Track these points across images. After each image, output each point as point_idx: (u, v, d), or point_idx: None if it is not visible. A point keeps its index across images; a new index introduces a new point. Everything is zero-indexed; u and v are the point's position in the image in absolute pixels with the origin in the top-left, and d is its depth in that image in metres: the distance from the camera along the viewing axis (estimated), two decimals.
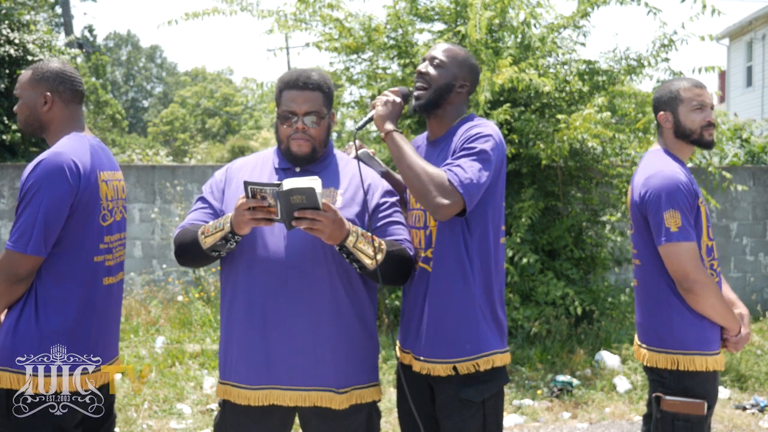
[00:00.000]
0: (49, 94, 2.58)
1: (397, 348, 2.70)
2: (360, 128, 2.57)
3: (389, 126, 2.50)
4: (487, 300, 2.50)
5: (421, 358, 2.51)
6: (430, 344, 2.49)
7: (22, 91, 2.61)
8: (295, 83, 2.46)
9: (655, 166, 2.72)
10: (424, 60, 2.64)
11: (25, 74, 2.63)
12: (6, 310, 2.50)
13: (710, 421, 2.73)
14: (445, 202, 2.34)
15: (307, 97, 2.45)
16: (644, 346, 2.78)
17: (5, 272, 2.41)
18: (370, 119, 2.57)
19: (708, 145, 2.81)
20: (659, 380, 2.71)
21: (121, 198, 2.69)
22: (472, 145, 2.44)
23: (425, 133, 2.75)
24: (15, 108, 2.65)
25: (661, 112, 2.82)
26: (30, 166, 2.45)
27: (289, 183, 2.17)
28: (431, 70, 2.57)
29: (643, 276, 2.78)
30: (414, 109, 2.62)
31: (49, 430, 2.44)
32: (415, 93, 2.60)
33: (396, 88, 2.63)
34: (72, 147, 2.51)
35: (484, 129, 2.48)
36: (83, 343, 2.49)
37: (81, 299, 2.49)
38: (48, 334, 2.43)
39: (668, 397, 2.63)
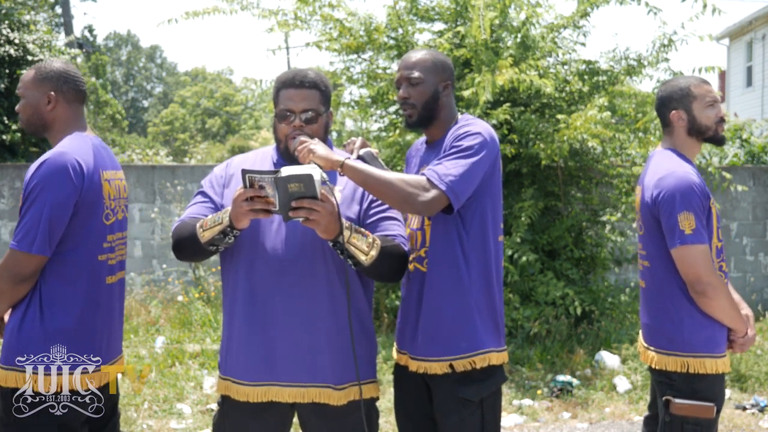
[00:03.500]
0: (53, 93, 2.58)
1: (393, 350, 2.70)
2: (325, 183, 2.24)
3: (339, 156, 2.37)
4: (483, 298, 2.50)
5: (418, 357, 2.52)
6: (426, 343, 2.50)
7: (25, 90, 2.61)
8: (291, 82, 2.47)
9: (666, 167, 2.67)
10: (399, 83, 2.61)
11: (28, 74, 2.62)
12: (9, 310, 2.50)
13: (717, 424, 2.70)
14: (427, 196, 2.35)
15: (304, 95, 2.45)
16: (652, 348, 2.74)
17: (9, 272, 2.41)
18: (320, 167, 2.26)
19: (721, 140, 2.77)
20: (668, 383, 2.67)
21: (122, 197, 2.69)
22: (458, 143, 2.45)
23: (423, 138, 2.75)
24: (17, 107, 2.64)
25: (674, 111, 2.76)
26: (34, 165, 2.44)
27: (288, 170, 2.15)
28: (412, 92, 2.57)
29: (653, 278, 2.74)
30: (411, 126, 2.62)
31: (53, 429, 2.44)
32: (407, 113, 2.59)
33: (297, 134, 2.42)
34: (75, 147, 2.51)
35: (472, 127, 2.49)
36: (87, 342, 2.49)
37: (85, 298, 2.49)
38: (52, 333, 2.43)
39: (677, 401, 2.60)
